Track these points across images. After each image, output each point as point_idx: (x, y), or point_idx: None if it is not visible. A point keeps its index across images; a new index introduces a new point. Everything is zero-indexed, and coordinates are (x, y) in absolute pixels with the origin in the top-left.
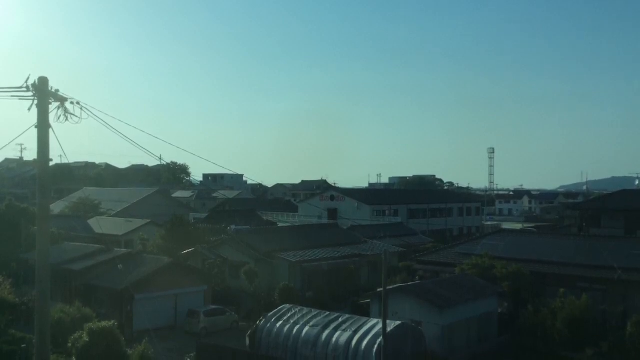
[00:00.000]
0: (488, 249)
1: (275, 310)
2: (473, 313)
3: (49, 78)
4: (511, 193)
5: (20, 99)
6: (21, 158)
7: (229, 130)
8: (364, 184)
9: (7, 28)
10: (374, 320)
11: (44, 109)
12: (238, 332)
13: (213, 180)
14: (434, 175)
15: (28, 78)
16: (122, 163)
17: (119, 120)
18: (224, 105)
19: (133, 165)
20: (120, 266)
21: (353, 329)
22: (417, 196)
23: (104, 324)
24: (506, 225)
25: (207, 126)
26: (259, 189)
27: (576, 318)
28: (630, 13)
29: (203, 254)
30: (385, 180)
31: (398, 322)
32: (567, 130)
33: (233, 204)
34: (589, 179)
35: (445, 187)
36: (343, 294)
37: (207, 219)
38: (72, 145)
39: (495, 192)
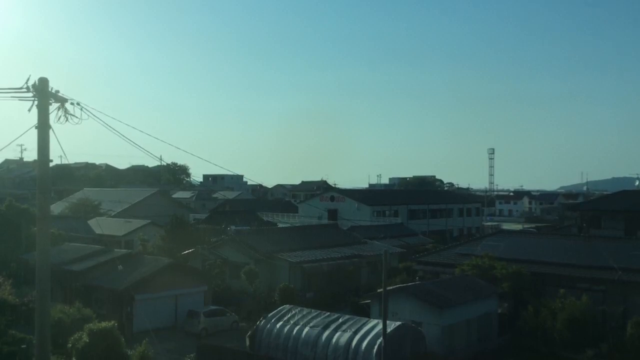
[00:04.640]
0: (488, 250)
1: (276, 310)
2: (473, 314)
3: (49, 79)
4: (511, 193)
5: (20, 100)
6: (21, 159)
7: (229, 130)
8: (364, 184)
9: (7, 28)
10: (374, 321)
11: (44, 109)
12: (238, 332)
13: (213, 181)
14: (434, 176)
15: (28, 79)
16: (122, 164)
17: (119, 121)
18: (224, 105)
19: (133, 166)
20: (120, 267)
21: (353, 330)
22: (417, 197)
23: (104, 324)
24: (506, 226)
25: (207, 126)
26: (259, 189)
27: (576, 319)
28: (630, 13)
29: (203, 254)
30: (385, 180)
31: (398, 323)
32: (567, 130)
33: (233, 204)
34: (589, 179)
35: (445, 188)
36: (343, 295)
37: (207, 220)
38: (72, 145)
39: (495, 193)
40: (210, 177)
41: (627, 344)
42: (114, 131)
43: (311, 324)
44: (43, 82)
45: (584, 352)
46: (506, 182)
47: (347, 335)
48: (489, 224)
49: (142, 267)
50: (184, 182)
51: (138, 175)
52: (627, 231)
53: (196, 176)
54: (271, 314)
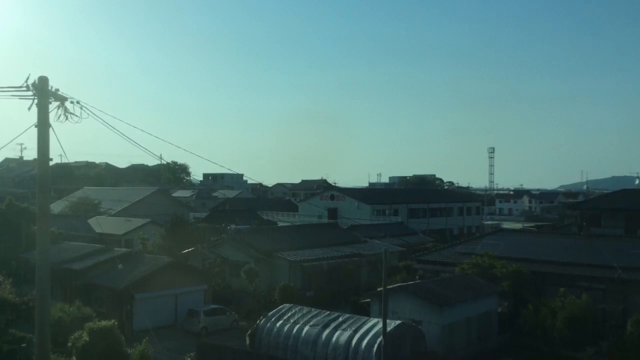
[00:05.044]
0: (488, 249)
1: (276, 309)
2: (473, 312)
3: (48, 77)
4: (511, 192)
5: (20, 99)
6: (21, 157)
7: (229, 130)
8: (364, 183)
9: (7, 28)
10: (374, 320)
11: (44, 108)
12: (238, 331)
13: (213, 180)
14: (434, 175)
15: (28, 77)
16: (122, 162)
17: (119, 120)
18: (224, 105)
19: (133, 165)
20: (120, 265)
21: (353, 329)
22: (417, 195)
23: (104, 323)
24: (506, 225)
25: (207, 126)
26: (259, 188)
27: (576, 317)
28: (630, 13)
29: (203, 253)
30: (385, 179)
31: (398, 322)
32: (567, 130)
33: (233, 203)
34: (589, 178)
35: (446, 187)
36: (343, 294)
37: (207, 219)
38: (72, 144)
39: (495, 192)
40: (210, 176)
41: (627, 342)
42: (114, 130)
43: (311, 323)
44: (43, 80)
45: (584, 351)
46: (506, 181)
47: (347, 334)
48: (489, 222)
49: (142, 266)
50: (184, 181)
51: (138, 174)
52: (627, 230)
53: (196, 175)
54: (271, 312)
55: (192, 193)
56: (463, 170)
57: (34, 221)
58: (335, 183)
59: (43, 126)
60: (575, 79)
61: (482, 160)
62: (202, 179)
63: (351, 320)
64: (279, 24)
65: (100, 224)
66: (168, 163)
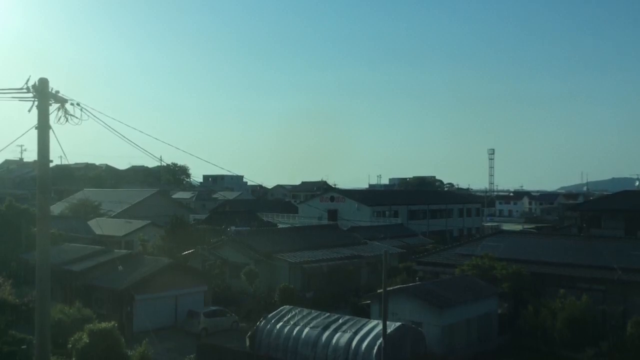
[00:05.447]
0: (488, 250)
1: (276, 311)
2: (473, 313)
3: (49, 79)
4: (511, 194)
5: (20, 100)
6: (21, 159)
7: (229, 130)
8: (364, 185)
9: (7, 28)
10: (374, 322)
11: (44, 110)
12: (238, 332)
13: (213, 181)
14: (434, 176)
15: (28, 79)
16: (122, 164)
17: (119, 122)
18: (224, 106)
19: (133, 166)
20: (120, 267)
21: (353, 330)
22: (417, 197)
23: (104, 325)
24: (506, 226)
25: (207, 126)
26: (258, 190)
27: (576, 318)
28: (630, 13)
29: (203, 254)
30: (385, 181)
31: (398, 323)
32: (567, 131)
33: (233, 205)
34: (589, 179)
35: (446, 188)
36: (343, 295)
37: (207, 220)
38: (72, 146)
39: (495, 193)
40: (210, 178)
41: (627, 343)
42: (113, 132)
43: (311, 325)
44: (43, 82)
45: (584, 352)
46: (506, 182)
47: (347, 335)
48: (489, 224)
49: (142, 267)
50: (184, 182)
51: (138, 175)
52: (627, 231)
53: (196, 176)
54: (271, 314)
55: (192, 194)
56: (463, 171)
57: (34, 222)
58: (335, 184)
59: (43, 128)
60: (575, 79)
61: (482, 161)
62: (202, 180)
63: (351, 322)
64: (279, 24)
65: (100, 226)
66: (168, 164)
